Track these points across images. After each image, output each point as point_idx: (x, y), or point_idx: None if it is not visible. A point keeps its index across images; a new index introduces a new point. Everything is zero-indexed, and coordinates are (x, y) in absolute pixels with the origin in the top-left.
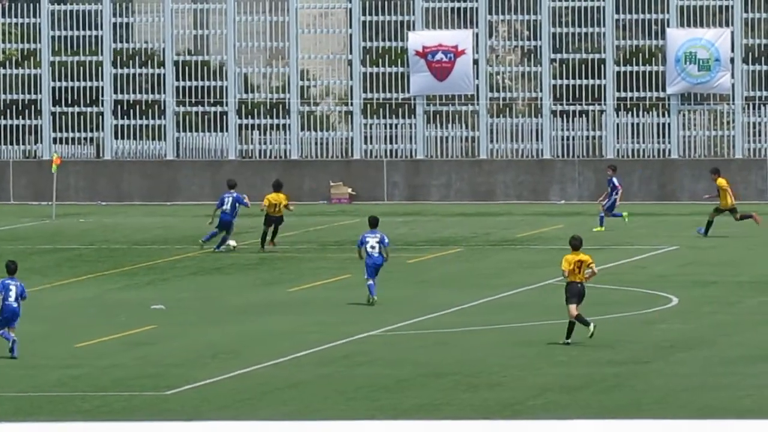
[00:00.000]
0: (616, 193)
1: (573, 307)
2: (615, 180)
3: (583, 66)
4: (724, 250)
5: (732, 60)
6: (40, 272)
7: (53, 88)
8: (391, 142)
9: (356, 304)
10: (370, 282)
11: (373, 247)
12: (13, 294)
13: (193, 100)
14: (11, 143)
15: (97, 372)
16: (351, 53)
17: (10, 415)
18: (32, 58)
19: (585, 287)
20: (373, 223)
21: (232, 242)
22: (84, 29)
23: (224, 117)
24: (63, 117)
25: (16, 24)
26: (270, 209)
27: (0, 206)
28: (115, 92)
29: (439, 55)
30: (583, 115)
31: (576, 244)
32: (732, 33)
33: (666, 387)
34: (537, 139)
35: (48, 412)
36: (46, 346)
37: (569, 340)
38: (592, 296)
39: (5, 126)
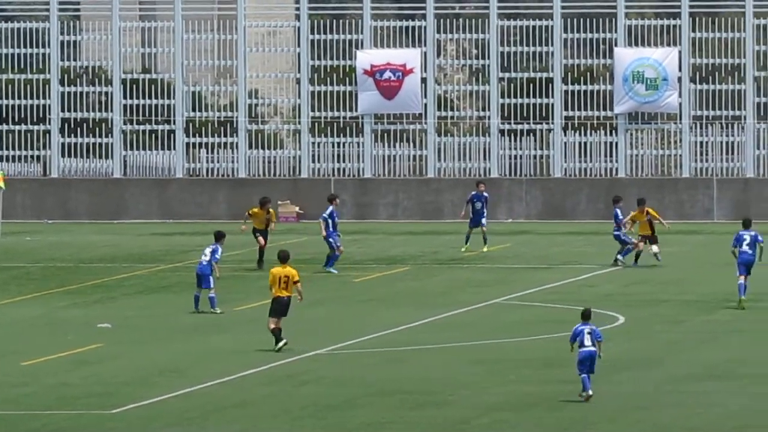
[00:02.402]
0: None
1: (272, 320)
2: (618, 211)
3: (531, 85)
4: (670, 269)
5: (679, 79)
6: None
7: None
8: (338, 161)
9: (303, 323)
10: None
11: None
12: None
13: (141, 118)
14: None
15: (44, 390)
16: (299, 72)
17: None
18: None
19: (290, 300)
20: (283, 258)
21: None
22: (31, 47)
23: (172, 135)
24: (9, 135)
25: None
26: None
27: None
28: (63, 110)
29: (387, 74)
30: (531, 134)
31: (283, 257)
32: (680, 52)
33: (615, 405)
34: (484, 158)
35: None
36: None
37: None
38: (540, 314)
39: None
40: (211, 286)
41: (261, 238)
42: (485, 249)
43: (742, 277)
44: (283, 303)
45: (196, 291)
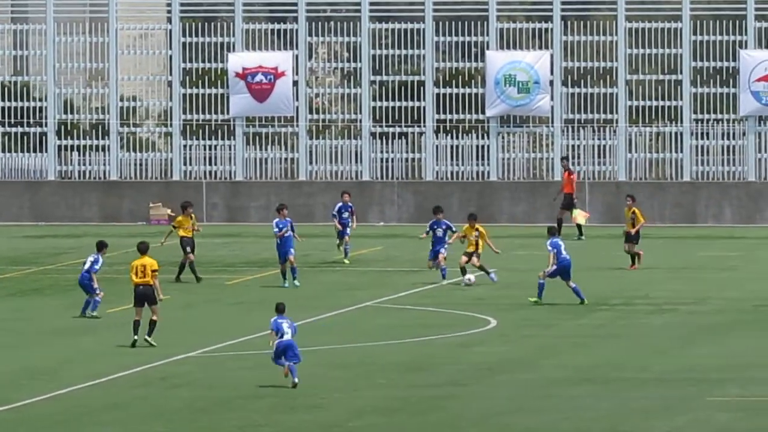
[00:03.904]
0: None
1: (136, 311)
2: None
3: (403, 88)
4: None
5: (551, 83)
6: None
7: None
8: (210, 164)
9: (175, 325)
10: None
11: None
12: None
13: (13, 120)
14: None
15: None
16: (171, 74)
17: None
18: None
19: (151, 289)
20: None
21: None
22: None
23: (44, 138)
24: None
25: None
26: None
27: None
28: None
29: (259, 77)
30: (403, 137)
31: (142, 248)
32: (551, 56)
33: (484, 409)
34: (356, 161)
35: None
36: None
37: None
38: (411, 318)
39: None
40: (97, 292)
41: (191, 254)
42: (346, 261)
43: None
44: (142, 291)
45: (87, 297)
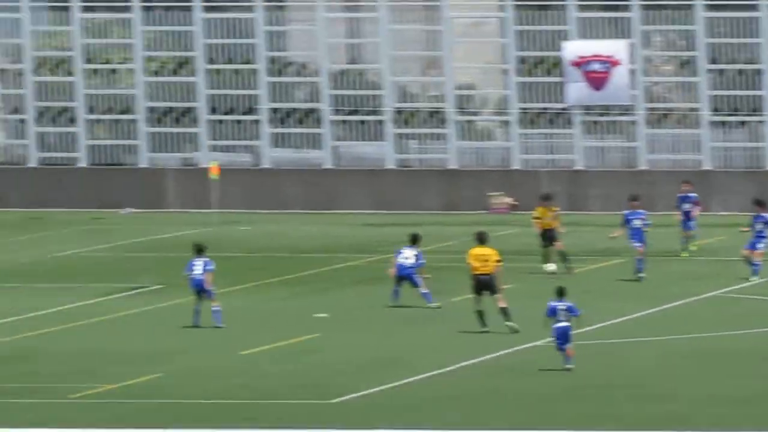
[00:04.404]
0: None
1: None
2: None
3: (743, 76)
4: None
5: None
6: None
7: (209, 96)
8: (548, 153)
9: (522, 314)
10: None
11: (407, 258)
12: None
13: (349, 108)
14: (170, 151)
15: (261, 380)
16: (506, 62)
17: (177, 422)
18: (187, 66)
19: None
20: (482, 239)
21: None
22: (238, 37)
23: (381, 126)
24: (221, 125)
25: (170, 32)
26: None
27: (158, 214)
28: (272, 100)
29: (595, 65)
30: (742, 126)
31: (482, 237)
32: None
33: None
34: (696, 150)
35: (214, 419)
36: (210, 354)
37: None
38: (761, 308)
39: (163, 134)
40: (420, 283)
41: (557, 242)
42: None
43: None
44: (483, 280)
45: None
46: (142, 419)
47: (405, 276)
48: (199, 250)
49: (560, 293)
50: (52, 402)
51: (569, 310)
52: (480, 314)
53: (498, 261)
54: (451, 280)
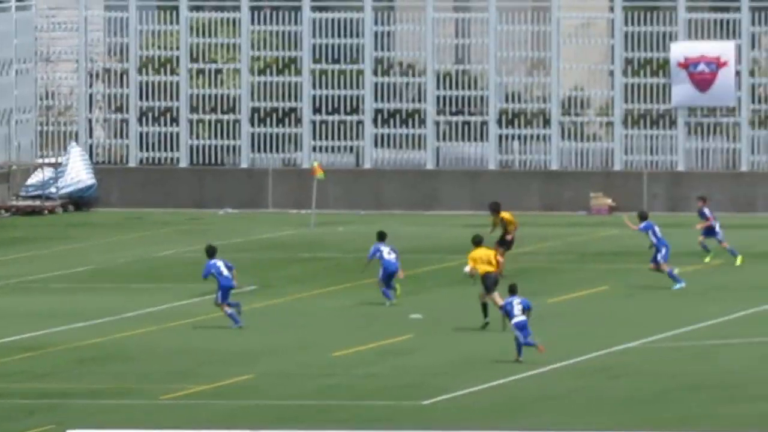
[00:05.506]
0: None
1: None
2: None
3: None
4: None
5: None
6: (298, 281)
7: (313, 96)
8: (651, 153)
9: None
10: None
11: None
12: None
13: (454, 109)
14: (271, 151)
15: (354, 381)
16: (612, 63)
17: (271, 423)
18: (293, 66)
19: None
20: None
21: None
22: (345, 37)
23: (485, 126)
24: (324, 125)
25: (277, 32)
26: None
27: (259, 214)
28: (376, 101)
29: (702, 67)
30: None
31: (477, 241)
32: None
33: None
34: None
35: (307, 420)
36: (303, 355)
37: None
38: None
39: (265, 134)
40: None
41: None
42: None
43: None
44: (495, 278)
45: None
46: (235, 420)
47: (393, 272)
48: (213, 253)
49: (512, 290)
50: (144, 403)
51: (522, 304)
52: (485, 306)
53: (498, 260)
54: (548, 281)
